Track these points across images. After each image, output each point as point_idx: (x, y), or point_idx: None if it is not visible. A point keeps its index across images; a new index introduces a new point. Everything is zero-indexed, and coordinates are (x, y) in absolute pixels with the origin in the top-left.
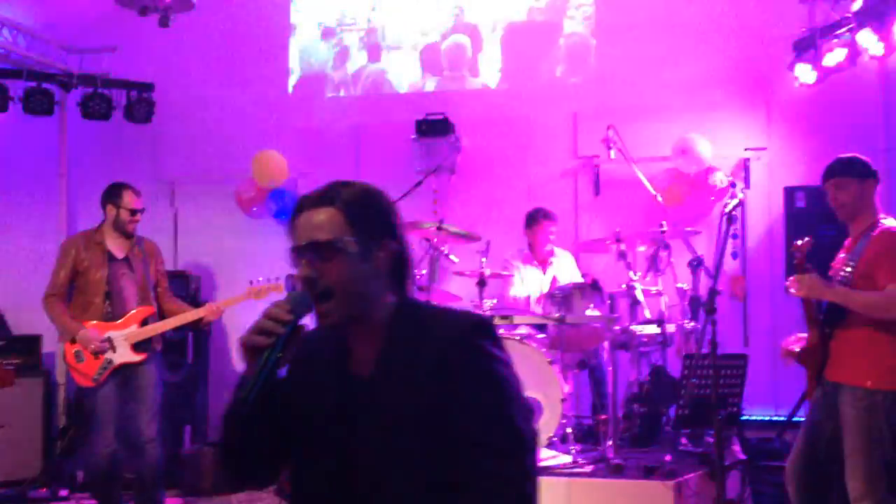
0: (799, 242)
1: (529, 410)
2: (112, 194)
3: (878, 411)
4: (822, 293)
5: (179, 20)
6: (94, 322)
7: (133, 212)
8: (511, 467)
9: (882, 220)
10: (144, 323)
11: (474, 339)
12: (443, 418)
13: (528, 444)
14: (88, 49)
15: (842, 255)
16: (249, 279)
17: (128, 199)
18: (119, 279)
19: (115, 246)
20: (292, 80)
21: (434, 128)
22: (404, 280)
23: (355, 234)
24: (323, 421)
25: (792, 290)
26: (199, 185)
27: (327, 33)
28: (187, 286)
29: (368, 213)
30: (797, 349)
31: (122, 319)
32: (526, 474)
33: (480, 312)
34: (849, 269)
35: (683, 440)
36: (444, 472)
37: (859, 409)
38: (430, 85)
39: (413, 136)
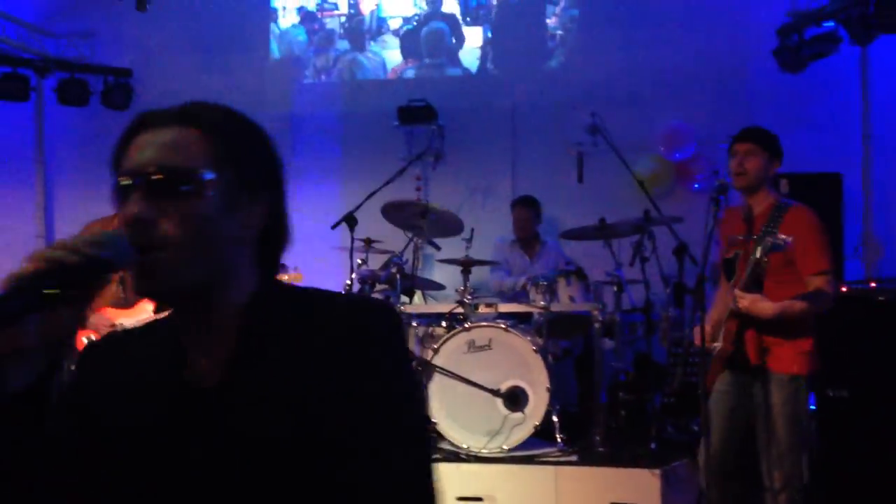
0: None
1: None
2: None
3: (803, 398)
4: (765, 311)
5: (157, 4)
6: (107, 307)
7: None
8: None
9: (785, 200)
10: (158, 310)
11: (384, 334)
12: (323, 453)
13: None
14: (65, 34)
15: (740, 236)
16: None
17: None
18: None
19: None
20: (272, 66)
21: (416, 114)
22: (273, 257)
23: (221, 172)
24: (138, 452)
25: (738, 304)
26: None
27: (308, 18)
28: None
29: (244, 147)
30: (717, 344)
31: (135, 306)
32: None
33: (466, 300)
34: (758, 255)
35: (670, 428)
36: None
37: (786, 395)
38: (411, 72)
39: (395, 123)
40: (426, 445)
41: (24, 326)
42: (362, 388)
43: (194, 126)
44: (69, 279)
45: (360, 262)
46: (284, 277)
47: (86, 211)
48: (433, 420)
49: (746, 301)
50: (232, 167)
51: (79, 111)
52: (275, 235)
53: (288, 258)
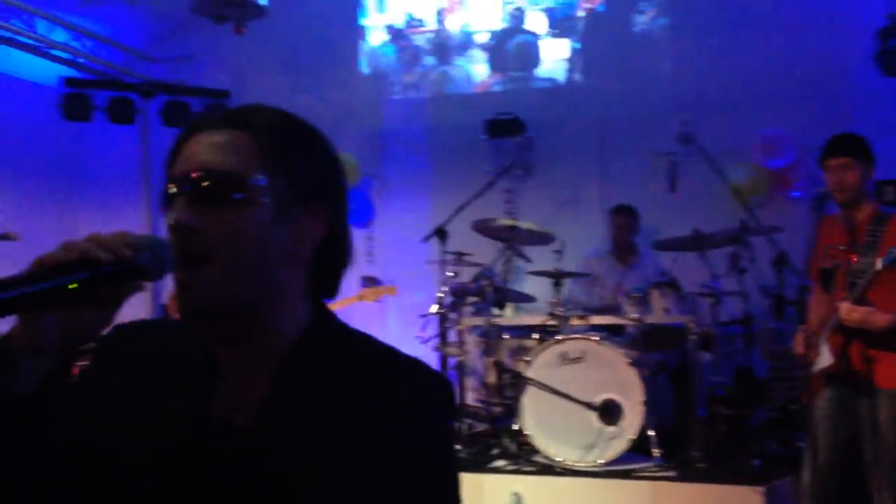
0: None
1: None
2: None
3: None
4: (879, 324)
5: (253, 27)
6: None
7: None
8: None
9: (884, 208)
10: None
11: (434, 406)
12: None
13: None
14: (167, 58)
15: (840, 246)
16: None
17: None
18: None
19: None
20: (362, 83)
21: (504, 127)
22: (329, 280)
23: (272, 178)
24: (142, 472)
25: (848, 317)
26: None
27: (396, 36)
28: None
29: (298, 153)
30: (828, 362)
31: None
32: None
33: (560, 312)
34: (878, 267)
35: (772, 444)
36: None
37: (894, 411)
38: (499, 85)
39: (483, 137)
40: None
41: (44, 322)
42: (397, 464)
43: (244, 129)
44: (95, 277)
45: (451, 274)
46: (378, 291)
47: None
48: (527, 432)
49: (860, 314)
50: (284, 173)
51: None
52: (331, 254)
53: (381, 272)
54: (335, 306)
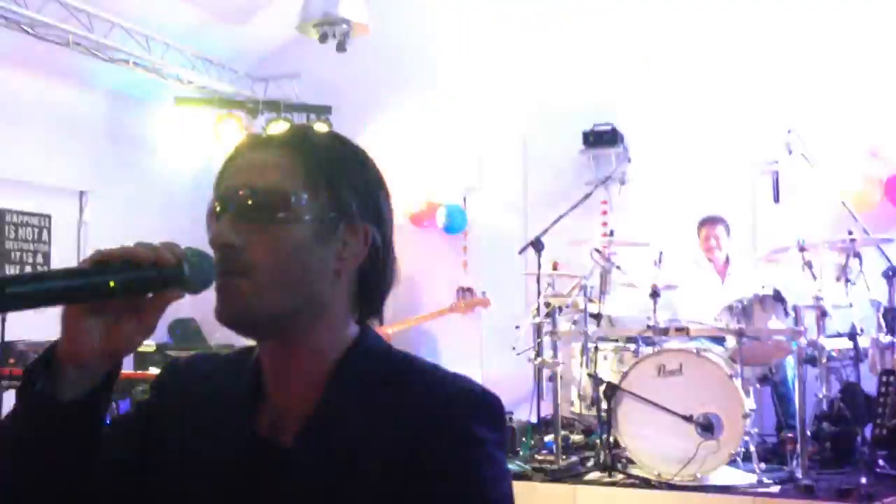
0: None
1: None
2: None
3: None
4: None
5: (354, 45)
6: None
7: None
8: None
9: None
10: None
11: (480, 422)
12: None
13: None
14: (272, 76)
15: None
16: (456, 289)
17: None
18: None
19: None
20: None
21: (602, 138)
22: (373, 299)
23: (315, 197)
24: (194, 497)
25: None
26: None
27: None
28: None
29: (342, 172)
30: None
31: None
32: None
33: (655, 324)
34: None
35: (881, 462)
36: None
37: None
38: (598, 95)
39: (581, 148)
40: None
41: (86, 328)
42: (440, 483)
43: (290, 149)
44: (135, 279)
45: (547, 286)
46: (471, 302)
47: None
48: (623, 444)
49: None
50: (328, 193)
51: None
52: (374, 275)
53: (477, 283)
54: (429, 318)
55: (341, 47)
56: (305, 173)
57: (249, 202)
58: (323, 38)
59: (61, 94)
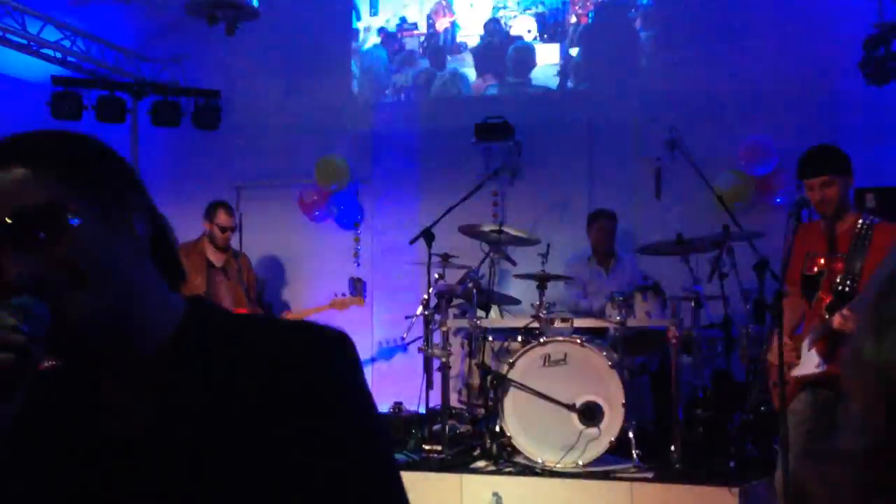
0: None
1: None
2: (208, 211)
3: None
4: None
5: (244, 28)
6: None
7: (223, 228)
8: None
9: (867, 217)
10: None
11: (330, 357)
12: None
13: None
14: (159, 58)
15: (823, 253)
16: (331, 287)
17: (220, 217)
18: (216, 285)
19: (214, 256)
20: (354, 86)
21: (493, 131)
22: (172, 260)
23: (81, 197)
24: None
25: (844, 327)
26: (263, 189)
27: (388, 39)
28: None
29: (90, 162)
30: (813, 368)
31: None
32: None
33: (541, 315)
34: (849, 281)
35: (749, 446)
36: None
37: None
38: (492, 89)
39: (473, 140)
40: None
41: None
42: (306, 430)
43: (25, 164)
44: (9, 385)
45: (437, 276)
46: (346, 301)
47: (177, 230)
48: (508, 434)
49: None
50: (90, 189)
51: (170, 132)
52: (165, 240)
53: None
54: (307, 313)
55: (230, 30)
56: (61, 181)
57: (24, 225)
58: (212, 19)
59: None
